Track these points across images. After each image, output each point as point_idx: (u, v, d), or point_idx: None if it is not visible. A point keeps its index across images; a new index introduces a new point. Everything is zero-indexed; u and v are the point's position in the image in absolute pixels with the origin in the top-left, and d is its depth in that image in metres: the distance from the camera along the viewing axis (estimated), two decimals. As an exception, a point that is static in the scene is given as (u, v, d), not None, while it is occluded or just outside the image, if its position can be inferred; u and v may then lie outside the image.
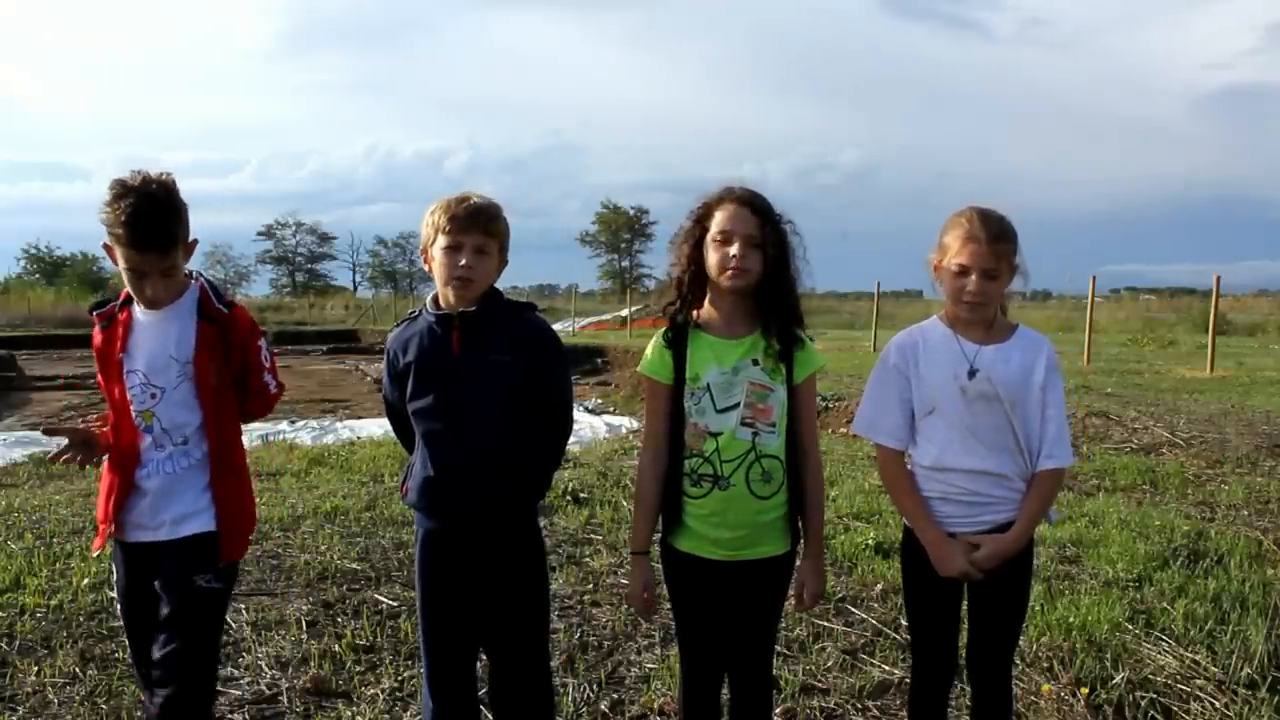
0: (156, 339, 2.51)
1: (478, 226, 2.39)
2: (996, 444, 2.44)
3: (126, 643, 2.63)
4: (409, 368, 2.47)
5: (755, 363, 2.38)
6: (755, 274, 2.36)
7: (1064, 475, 2.55)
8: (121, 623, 2.63)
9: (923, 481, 2.51)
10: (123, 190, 2.33)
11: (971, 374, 2.44)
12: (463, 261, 2.38)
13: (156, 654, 2.45)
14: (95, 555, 2.59)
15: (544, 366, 2.49)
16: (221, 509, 2.54)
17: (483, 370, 2.41)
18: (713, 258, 2.36)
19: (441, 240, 2.40)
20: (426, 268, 2.49)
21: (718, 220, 2.36)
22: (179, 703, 2.43)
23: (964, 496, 2.46)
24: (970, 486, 2.45)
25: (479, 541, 2.47)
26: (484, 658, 2.65)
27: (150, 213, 2.34)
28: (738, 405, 2.37)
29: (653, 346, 2.47)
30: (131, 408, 2.49)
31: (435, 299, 2.49)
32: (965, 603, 2.55)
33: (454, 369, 2.42)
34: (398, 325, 2.59)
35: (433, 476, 2.43)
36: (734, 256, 2.33)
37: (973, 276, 2.39)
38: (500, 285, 2.56)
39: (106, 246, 2.46)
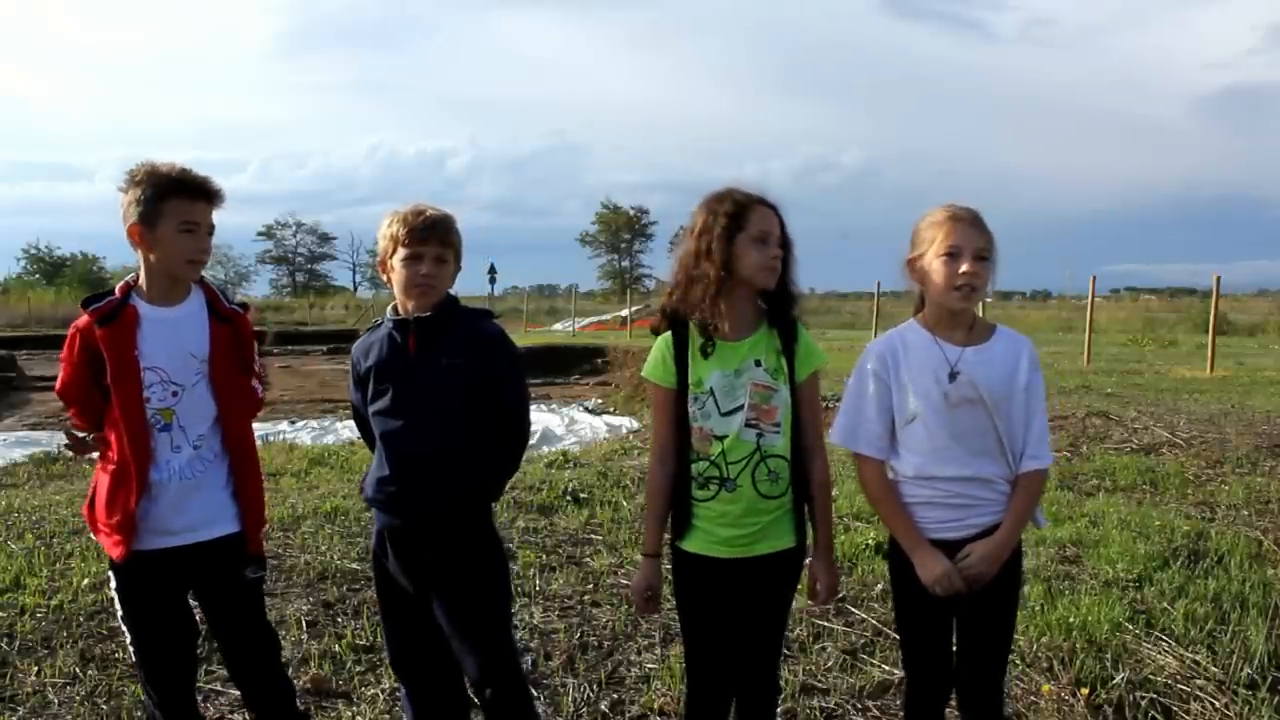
0: (174, 336, 2.51)
1: (436, 237, 2.50)
2: (980, 449, 2.40)
3: (131, 648, 2.62)
4: (370, 371, 2.57)
5: (758, 363, 2.39)
6: (779, 273, 2.40)
7: (1047, 476, 2.52)
8: (124, 627, 2.61)
9: (907, 488, 2.46)
10: (152, 161, 2.52)
11: (952, 377, 2.39)
12: (423, 270, 2.49)
13: (237, 655, 2.66)
14: (114, 557, 2.52)
15: (497, 369, 2.56)
16: (244, 508, 2.58)
17: (437, 372, 2.50)
18: (753, 257, 2.35)
19: (401, 252, 2.49)
20: (385, 279, 2.59)
21: (755, 221, 2.37)
22: (289, 694, 2.75)
23: (950, 500, 2.42)
24: (955, 490, 2.41)
25: (432, 539, 2.54)
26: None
27: (192, 169, 2.53)
28: (742, 407, 2.38)
29: (655, 351, 2.47)
30: (148, 406, 2.47)
31: (395, 308, 2.59)
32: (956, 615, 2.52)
33: (410, 370, 2.52)
34: (363, 333, 2.69)
35: (388, 475, 2.52)
36: (774, 256, 2.36)
37: (965, 258, 2.35)
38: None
39: (133, 228, 2.47)
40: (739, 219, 2.37)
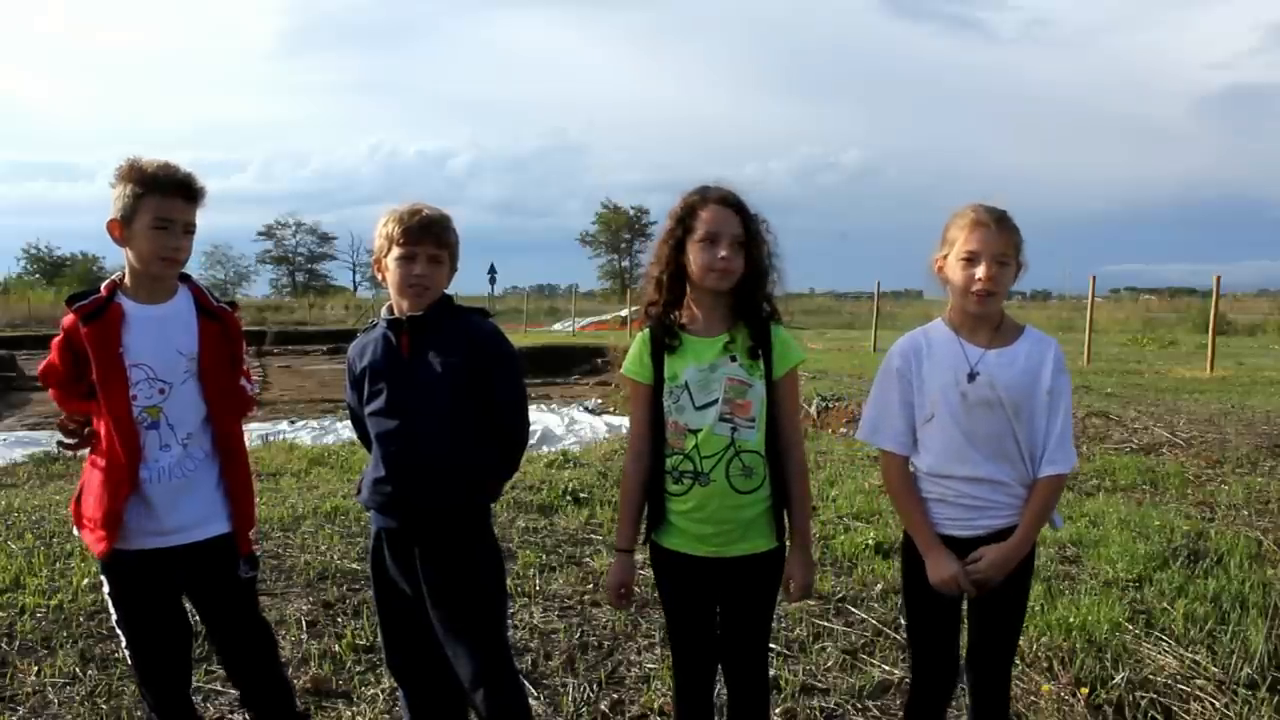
0: (160, 334, 2.50)
1: (431, 237, 2.49)
2: (995, 452, 2.41)
3: (126, 650, 2.62)
4: (364, 372, 2.57)
5: (733, 359, 2.40)
6: (739, 274, 2.39)
7: (1065, 481, 2.50)
8: (119, 630, 2.60)
9: (921, 484, 2.50)
10: (139, 157, 2.49)
11: (971, 377, 2.40)
12: (417, 270, 2.48)
13: (233, 654, 2.68)
14: (96, 554, 2.55)
15: (491, 367, 2.55)
16: (234, 508, 2.58)
17: (431, 372, 2.49)
18: (700, 258, 2.37)
19: (396, 251, 2.49)
20: (380, 278, 2.58)
21: (703, 221, 2.38)
22: (287, 692, 2.78)
23: (962, 499, 2.44)
24: (968, 490, 2.43)
25: (429, 540, 2.53)
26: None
27: (176, 166, 2.50)
28: (716, 401, 2.39)
29: (633, 349, 2.49)
30: (135, 404, 2.47)
31: (390, 308, 2.59)
32: (966, 608, 2.53)
33: (403, 371, 2.51)
34: (359, 334, 2.68)
35: (383, 476, 2.52)
36: (722, 257, 2.35)
37: (983, 262, 2.36)
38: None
39: (113, 223, 2.47)
40: (687, 220, 2.40)
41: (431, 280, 2.50)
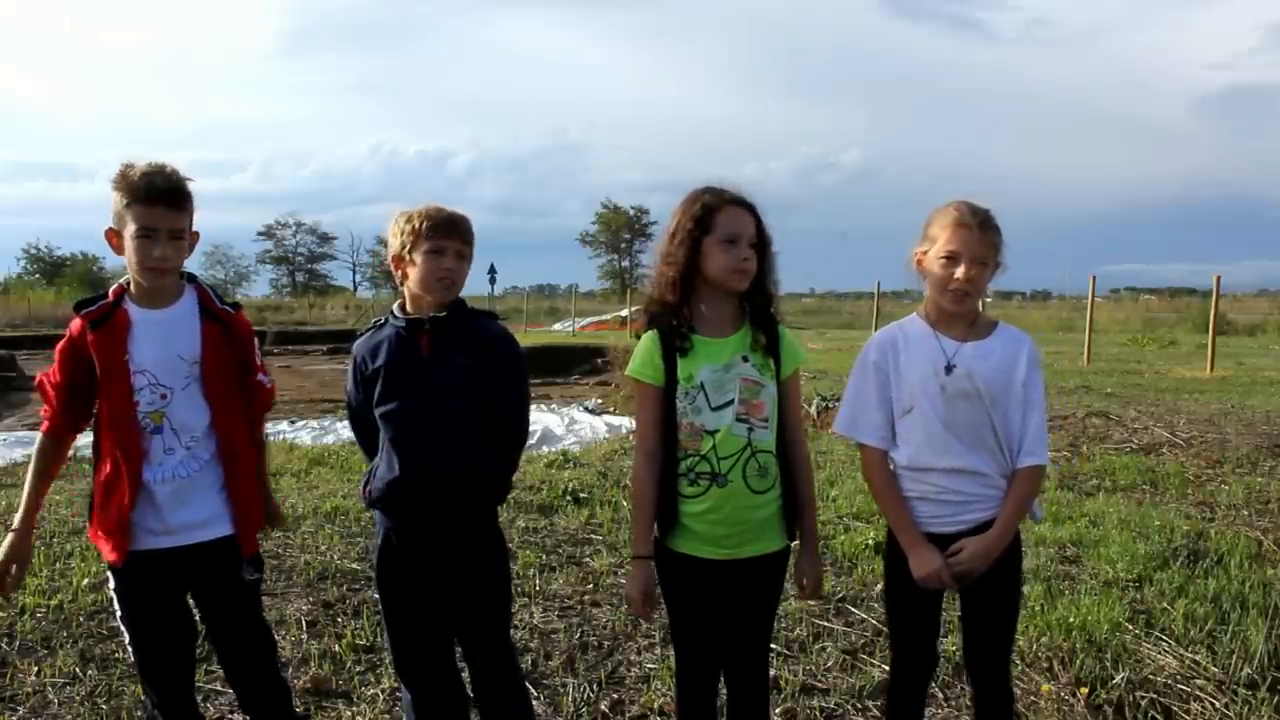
0: (161, 339, 2.49)
1: (458, 233, 2.53)
2: (975, 442, 2.42)
3: (129, 647, 2.62)
4: (378, 372, 2.55)
5: (745, 359, 2.41)
6: (753, 274, 2.40)
7: (1043, 472, 2.52)
8: (122, 627, 2.61)
9: (902, 481, 2.49)
10: (133, 162, 2.46)
11: (949, 369, 2.42)
12: (447, 264, 2.50)
13: (232, 656, 2.66)
14: (110, 561, 2.54)
15: (500, 368, 2.56)
16: (238, 510, 2.57)
17: (450, 373, 2.50)
18: (720, 259, 2.37)
19: (424, 245, 2.49)
20: (400, 275, 2.57)
21: (723, 222, 2.38)
22: (285, 695, 2.77)
23: (943, 495, 2.44)
24: (948, 484, 2.43)
25: (438, 541, 2.54)
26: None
27: (162, 170, 2.46)
28: (732, 402, 2.39)
29: (642, 350, 2.45)
30: (138, 409, 2.47)
31: (401, 306, 2.58)
32: (959, 609, 2.54)
33: (423, 372, 2.51)
34: (363, 332, 2.67)
35: (399, 477, 2.51)
36: (745, 259, 2.37)
37: (962, 264, 2.38)
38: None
39: (109, 232, 2.47)
40: (705, 221, 2.39)
41: (459, 275, 2.53)
